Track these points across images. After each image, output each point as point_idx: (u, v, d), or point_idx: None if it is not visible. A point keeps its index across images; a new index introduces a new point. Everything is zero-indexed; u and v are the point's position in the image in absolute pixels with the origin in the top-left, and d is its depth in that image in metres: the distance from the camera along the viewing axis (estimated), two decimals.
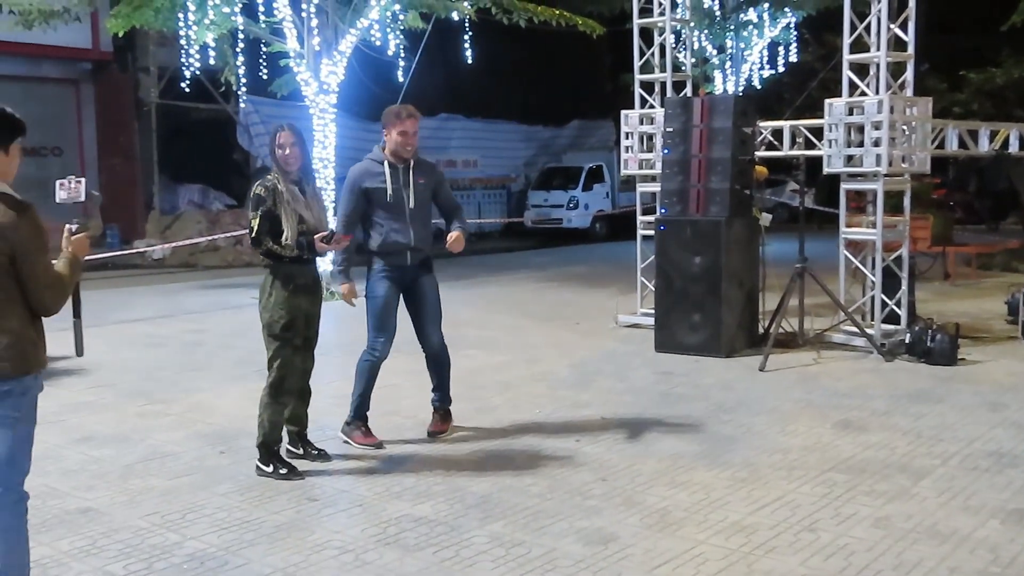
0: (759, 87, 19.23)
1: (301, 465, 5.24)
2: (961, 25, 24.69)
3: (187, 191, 21.79)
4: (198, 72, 14.29)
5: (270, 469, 5.12)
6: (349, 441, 5.71)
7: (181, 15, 12.81)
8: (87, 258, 3.55)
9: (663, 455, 5.44)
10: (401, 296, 5.74)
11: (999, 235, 18.46)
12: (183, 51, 13.75)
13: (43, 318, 3.44)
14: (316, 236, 5.12)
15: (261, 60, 14.86)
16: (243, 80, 15.11)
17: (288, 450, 5.39)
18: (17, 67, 19.13)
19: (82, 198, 3.61)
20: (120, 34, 13.74)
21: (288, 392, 5.22)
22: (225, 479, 5.10)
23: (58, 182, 3.65)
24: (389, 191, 5.60)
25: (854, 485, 4.87)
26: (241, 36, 13.89)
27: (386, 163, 5.63)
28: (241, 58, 14.52)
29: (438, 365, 5.95)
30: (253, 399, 5.29)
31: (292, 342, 5.16)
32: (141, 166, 20.88)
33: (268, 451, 5.17)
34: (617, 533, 4.27)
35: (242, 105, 19.42)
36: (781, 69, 19.66)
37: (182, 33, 13.11)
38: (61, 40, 16.22)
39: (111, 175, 20.73)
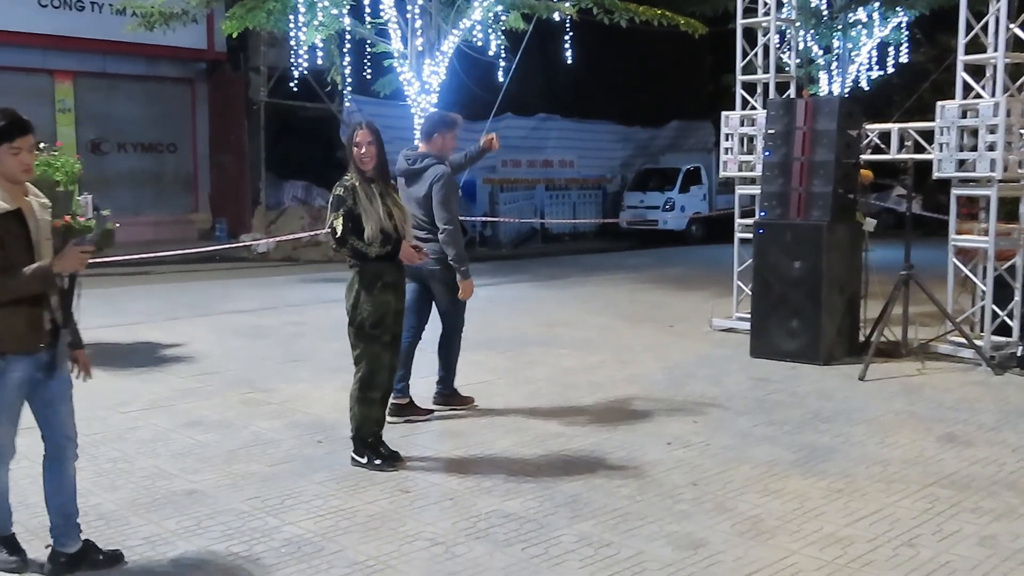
0: (867, 88, 18.68)
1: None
2: None
3: (292, 187, 22.37)
4: (305, 72, 14.69)
5: (364, 460, 5.23)
6: (445, 407, 6.22)
7: (292, 17, 13.23)
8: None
9: (757, 462, 5.36)
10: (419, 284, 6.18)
11: None
12: (292, 51, 14.16)
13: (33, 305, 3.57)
14: (412, 245, 5.29)
15: (365, 60, 15.21)
16: (348, 80, 15.47)
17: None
18: (138, 67, 20.04)
19: (90, 214, 3.84)
20: (234, 35, 14.25)
21: (378, 386, 5.29)
22: (322, 468, 5.25)
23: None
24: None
25: (958, 501, 4.71)
26: (348, 37, 14.24)
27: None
28: (347, 58, 14.87)
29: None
30: (349, 391, 5.42)
31: (381, 339, 5.23)
32: (249, 162, 21.56)
33: (362, 443, 5.28)
34: (707, 539, 4.23)
35: (346, 104, 19.84)
36: (891, 70, 19.05)
37: (292, 34, 13.53)
38: (179, 41, 16.89)
39: (221, 171, 21.50)
